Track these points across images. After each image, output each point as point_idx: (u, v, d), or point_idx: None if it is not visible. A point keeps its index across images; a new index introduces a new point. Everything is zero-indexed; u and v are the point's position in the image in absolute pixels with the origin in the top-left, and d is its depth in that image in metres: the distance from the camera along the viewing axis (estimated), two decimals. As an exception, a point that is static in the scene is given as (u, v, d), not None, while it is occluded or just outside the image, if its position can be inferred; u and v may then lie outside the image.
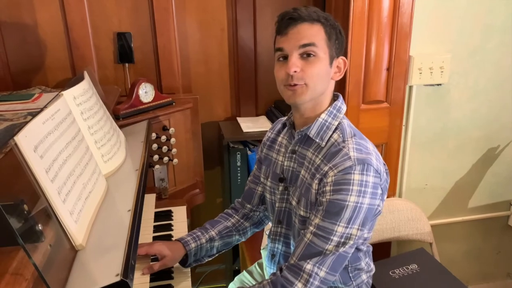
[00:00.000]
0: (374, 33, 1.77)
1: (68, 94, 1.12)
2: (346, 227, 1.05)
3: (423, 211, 1.97)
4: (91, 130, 1.18)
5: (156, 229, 1.49)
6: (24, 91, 1.78)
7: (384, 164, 1.17)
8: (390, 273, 1.81)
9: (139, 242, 1.36)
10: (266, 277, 1.34)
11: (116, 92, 1.89)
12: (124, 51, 1.97)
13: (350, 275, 1.24)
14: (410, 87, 1.91)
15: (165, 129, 1.80)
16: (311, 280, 1.05)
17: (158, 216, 1.59)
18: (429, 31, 1.84)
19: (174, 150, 1.83)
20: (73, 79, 1.33)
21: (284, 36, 1.09)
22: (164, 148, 1.79)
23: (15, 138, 0.79)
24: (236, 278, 1.52)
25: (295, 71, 1.07)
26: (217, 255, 1.35)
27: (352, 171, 1.04)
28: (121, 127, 1.64)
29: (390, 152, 1.95)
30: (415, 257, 1.90)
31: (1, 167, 0.94)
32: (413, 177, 2.08)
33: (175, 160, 1.85)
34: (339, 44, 1.14)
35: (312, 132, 1.14)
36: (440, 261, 1.93)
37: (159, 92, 1.83)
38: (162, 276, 1.24)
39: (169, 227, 1.54)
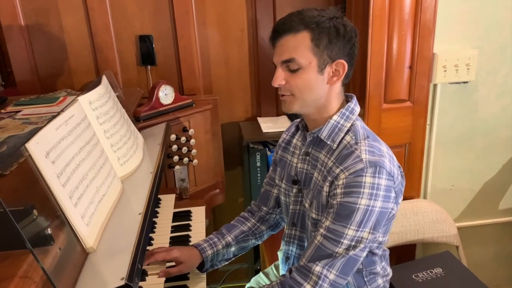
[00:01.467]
0: (395, 30, 1.72)
1: (84, 99, 1.15)
2: (357, 230, 1.04)
3: (450, 213, 1.91)
4: (107, 134, 1.21)
5: (174, 229, 1.51)
6: (50, 94, 1.85)
7: (399, 167, 1.15)
8: (413, 276, 1.77)
9: (157, 242, 1.40)
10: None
11: (138, 94, 1.93)
12: (146, 53, 2.00)
13: (365, 279, 1.22)
14: (435, 85, 1.85)
15: (185, 130, 1.83)
16: (320, 282, 1.04)
17: (177, 216, 1.60)
18: (454, 27, 1.77)
19: (194, 151, 1.85)
20: (92, 83, 1.36)
21: (274, 49, 1.12)
22: (184, 149, 1.82)
23: (26, 145, 0.82)
24: (252, 279, 1.52)
25: (280, 84, 1.11)
26: (233, 258, 1.36)
27: (364, 174, 1.03)
28: (141, 129, 1.68)
29: (414, 152, 1.90)
30: (440, 260, 1.85)
31: (17, 173, 0.98)
32: (439, 178, 2.01)
33: (195, 161, 1.87)
34: (334, 46, 1.07)
35: (324, 134, 1.13)
36: (467, 265, 1.86)
37: (179, 94, 1.85)
38: (177, 276, 1.25)
39: (187, 227, 1.55)
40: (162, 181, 1.82)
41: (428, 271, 1.79)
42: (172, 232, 1.49)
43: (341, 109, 1.14)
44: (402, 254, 2.05)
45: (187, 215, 1.64)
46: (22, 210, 0.75)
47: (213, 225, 2.28)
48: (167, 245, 1.40)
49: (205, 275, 1.29)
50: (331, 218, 1.06)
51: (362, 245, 1.05)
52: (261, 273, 1.53)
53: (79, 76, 2.01)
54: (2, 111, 1.65)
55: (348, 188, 1.04)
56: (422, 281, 1.74)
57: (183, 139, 1.80)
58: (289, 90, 1.10)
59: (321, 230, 1.07)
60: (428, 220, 1.89)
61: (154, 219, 1.51)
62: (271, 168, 1.38)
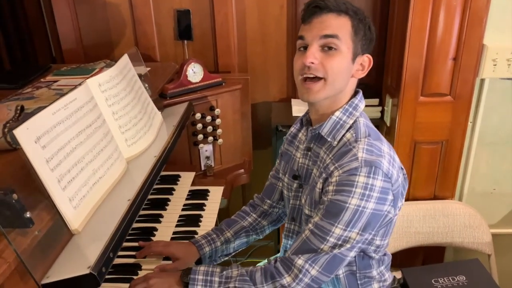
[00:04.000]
0: (440, 17, 1.56)
1: (93, 81, 1.18)
2: (345, 230, 1.02)
3: (487, 218, 1.77)
4: (116, 115, 1.24)
5: (187, 207, 1.54)
6: (90, 64, 1.93)
7: (402, 168, 1.11)
8: (433, 281, 1.68)
9: (166, 220, 1.44)
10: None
11: (171, 69, 1.95)
12: (183, 28, 2.01)
13: (359, 282, 1.19)
14: (482, 80, 1.67)
15: (212, 109, 1.83)
16: (300, 276, 1.04)
17: (194, 194, 1.63)
18: (509, 16, 1.56)
19: (219, 130, 1.86)
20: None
21: (307, 24, 1.06)
22: (209, 128, 1.83)
23: (14, 131, 0.87)
24: (257, 266, 1.53)
25: (312, 62, 1.03)
26: (233, 253, 1.37)
27: (358, 173, 1.00)
28: (167, 106, 1.70)
29: (451, 151, 1.76)
30: (466, 268, 1.73)
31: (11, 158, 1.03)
32: (478, 180, 1.86)
33: (220, 140, 1.88)
34: (366, 40, 1.08)
35: (325, 131, 1.10)
36: (498, 276, 1.73)
37: (208, 72, 1.85)
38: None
39: (201, 206, 1.57)
40: (186, 158, 1.86)
41: (450, 278, 1.68)
42: (183, 210, 1.53)
43: (344, 105, 1.10)
44: (428, 256, 1.95)
45: (204, 194, 1.67)
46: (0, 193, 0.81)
47: (242, 203, 2.31)
48: (175, 223, 1.45)
49: None
50: (320, 214, 1.05)
51: (348, 245, 1.03)
52: (266, 260, 1.53)
53: (120, 48, 2.08)
54: (42, 80, 1.76)
55: (339, 186, 1.02)
56: (440, 287, 1.65)
57: (208, 118, 1.81)
58: (322, 71, 1.04)
59: (310, 225, 1.06)
60: (459, 223, 1.76)
61: (168, 196, 1.56)
62: (277, 160, 1.35)
